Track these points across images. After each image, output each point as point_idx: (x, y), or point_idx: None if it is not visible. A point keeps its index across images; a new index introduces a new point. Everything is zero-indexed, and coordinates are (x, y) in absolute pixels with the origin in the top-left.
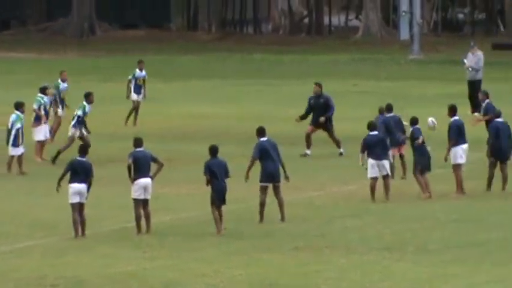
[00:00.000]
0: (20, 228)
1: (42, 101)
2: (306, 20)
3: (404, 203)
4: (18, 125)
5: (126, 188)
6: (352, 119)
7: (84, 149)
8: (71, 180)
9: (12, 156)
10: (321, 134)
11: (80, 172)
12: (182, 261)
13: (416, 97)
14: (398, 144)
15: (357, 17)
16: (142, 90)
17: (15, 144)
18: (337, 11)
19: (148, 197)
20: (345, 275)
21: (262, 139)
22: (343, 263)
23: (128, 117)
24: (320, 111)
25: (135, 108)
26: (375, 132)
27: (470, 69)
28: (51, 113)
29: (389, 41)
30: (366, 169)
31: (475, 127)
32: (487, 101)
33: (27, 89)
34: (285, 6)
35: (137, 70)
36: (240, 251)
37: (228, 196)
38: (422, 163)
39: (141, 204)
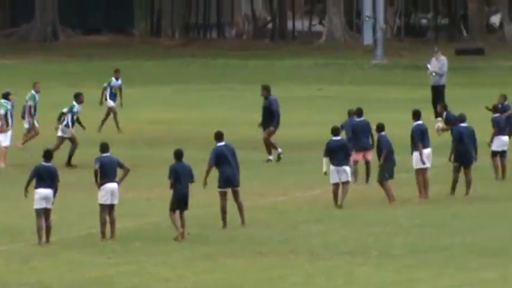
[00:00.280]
0: None
1: (8, 107)
2: (270, 25)
3: (367, 208)
4: None
5: (93, 193)
6: (316, 124)
7: (49, 154)
8: (37, 186)
9: None
10: (282, 138)
11: (46, 177)
12: (146, 266)
13: (380, 102)
14: (364, 149)
15: (320, 22)
16: (117, 98)
17: None
18: (300, 16)
19: (115, 202)
20: (309, 280)
21: (219, 144)
22: (307, 268)
23: (102, 124)
24: (265, 114)
25: (109, 114)
26: (339, 138)
27: (433, 74)
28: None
29: (353, 45)
30: (325, 174)
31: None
32: (445, 113)
33: None
34: (249, 11)
35: (113, 79)
36: (204, 256)
37: (191, 201)
38: (389, 170)
39: (107, 209)
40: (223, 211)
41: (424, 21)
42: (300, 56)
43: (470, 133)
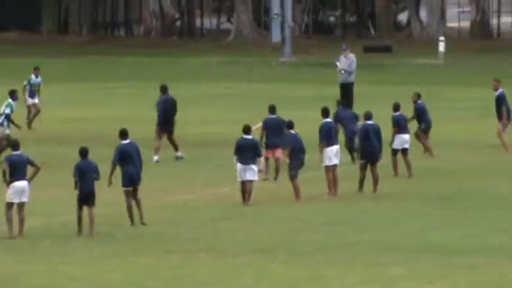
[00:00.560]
0: None
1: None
2: (178, 23)
3: (276, 205)
4: None
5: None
6: (225, 122)
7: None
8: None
9: None
10: (191, 136)
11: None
12: (54, 264)
13: (289, 99)
14: (274, 146)
15: (228, 20)
16: (37, 95)
17: None
18: (209, 13)
19: (24, 199)
20: (218, 278)
21: (123, 142)
22: (216, 266)
23: (31, 121)
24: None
25: (31, 111)
26: (249, 136)
27: (342, 71)
28: None
29: (261, 43)
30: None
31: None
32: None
33: None
34: (157, 8)
35: (33, 76)
36: (112, 254)
37: (98, 199)
38: (296, 167)
39: (15, 207)
40: (129, 208)
41: (332, 18)
42: (209, 53)
43: (376, 130)
